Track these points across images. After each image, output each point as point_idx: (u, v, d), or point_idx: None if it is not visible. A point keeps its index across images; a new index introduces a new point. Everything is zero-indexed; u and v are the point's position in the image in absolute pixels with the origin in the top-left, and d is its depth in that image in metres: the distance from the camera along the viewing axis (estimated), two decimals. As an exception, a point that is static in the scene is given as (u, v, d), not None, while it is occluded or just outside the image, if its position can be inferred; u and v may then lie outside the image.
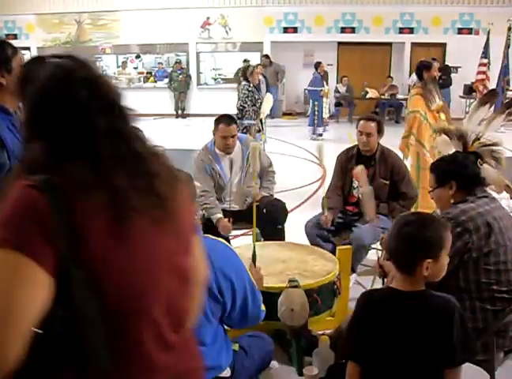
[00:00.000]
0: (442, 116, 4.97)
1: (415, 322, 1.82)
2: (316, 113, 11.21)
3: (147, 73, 16.81)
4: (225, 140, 4.09)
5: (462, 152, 2.84)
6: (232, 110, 7.11)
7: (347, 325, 1.94)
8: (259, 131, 7.09)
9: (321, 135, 11.34)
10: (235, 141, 4.14)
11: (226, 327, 2.10)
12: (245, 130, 6.79)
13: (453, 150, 2.92)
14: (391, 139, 5.23)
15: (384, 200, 4.03)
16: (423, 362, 1.83)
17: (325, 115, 11.57)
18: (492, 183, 2.77)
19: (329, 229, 3.98)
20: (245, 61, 13.92)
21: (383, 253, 3.81)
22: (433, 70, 5.13)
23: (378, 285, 3.19)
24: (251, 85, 7.02)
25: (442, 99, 5.08)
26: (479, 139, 2.90)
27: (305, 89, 11.65)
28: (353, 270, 3.86)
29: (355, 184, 4.12)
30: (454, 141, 2.94)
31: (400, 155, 4.53)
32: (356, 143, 4.16)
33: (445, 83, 12.48)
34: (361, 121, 4.10)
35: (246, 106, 6.82)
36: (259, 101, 7.15)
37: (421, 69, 5.18)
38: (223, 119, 4.14)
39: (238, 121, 6.63)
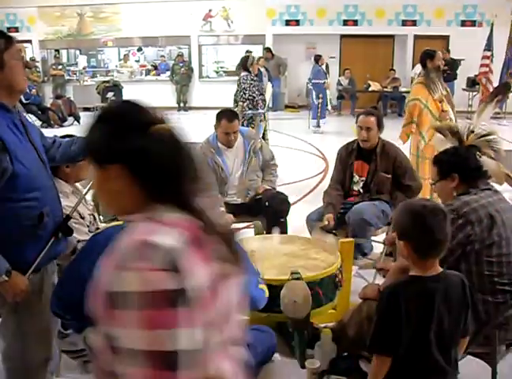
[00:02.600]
0: (445, 106, 4.95)
1: (441, 302, 1.88)
2: (319, 105, 11.22)
3: (151, 65, 16.81)
4: (227, 136, 4.07)
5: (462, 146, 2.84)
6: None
7: (374, 320, 1.95)
8: (261, 121, 7.08)
9: (319, 126, 11.36)
10: (237, 136, 4.13)
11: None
12: (251, 120, 6.79)
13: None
14: (393, 132, 5.22)
15: (386, 193, 4.03)
16: (450, 337, 1.92)
17: (329, 107, 11.60)
18: (493, 175, 2.76)
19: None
20: (247, 52, 13.89)
21: (384, 249, 3.84)
22: (436, 59, 5.09)
23: (380, 279, 3.20)
24: (253, 75, 6.99)
25: (445, 88, 5.05)
26: (473, 131, 2.89)
27: (307, 83, 11.57)
28: (361, 251, 3.88)
29: (356, 179, 4.12)
30: (449, 138, 2.94)
31: (399, 145, 4.53)
32: (356, 137, 4.15)
33: (449, 77, 12.43)
34: (360, 116, 4.09)
35: (255, 95, 6.79)
36: (264, 90, 7.15)
37: (425, 58, 5.15)
38: (225, 115, 4.10)
39: (249, 111, 6.63)
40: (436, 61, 5.09)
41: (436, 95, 4.93)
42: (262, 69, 12.03)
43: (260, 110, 6.84)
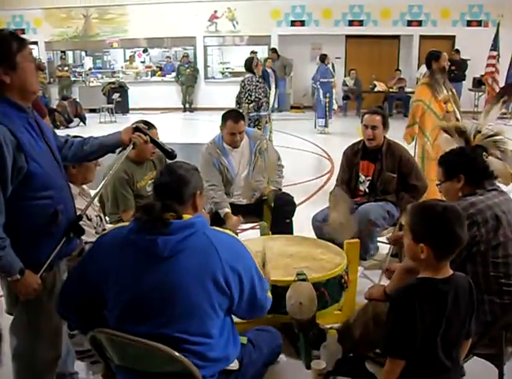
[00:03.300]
0: (450, 107, 4.93)
1: (451, 305, 1.86)
2: (327, 104, 11.23)
3: (156, 67, 16.85)
4: (233, 137, 4.08)
5: (469, 146, 2.82)
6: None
7: (388, 324, 1.90)
8: (266, 122, 7.08)
9: (327, 126, 11.36)
10: (243, 137, 4.13)
11: (234, 319, 2.11)
12: (257, 122, 6.78)
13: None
14: (399, 132, 5.21)
15: (392, 192, 4.02)
16: (455, 339, 1.92)
17: (335, 106, 11.61)
18: (499, 175, 2.75)
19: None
20: (252, 52, 13.91)
21: (390, 250, 3.83)
22: (442, 60, 5.08)
23: (386, 279, 3.19)
24: (257, 76, 6.98)
25: (450, 89, 5.03)
26: (480, 131, 2.88)
27: (316, 81, 11.50)
28: (366, 252, 3.89)
29: (362, 178, 4.12)
30: (456, 138, 2.92)
31: (405, 145, 4.52)
32: (362, 138, 4.15)
33: (456, 77, 12.39)
34: (366, 115, 4.10)
35: (260, 97, 6.78)
36: (268, 92, 7.15)
37: (430, 59, 5.14)
38: (231, 115, 4.11)
39: (255, 113, 6.62)
40: (441, 62, 5.08)
41: (440, 96, 4.91)
42: (269, 70, 12.03)
43: (264, 112, 6.84)
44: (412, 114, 5.13)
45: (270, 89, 12.51)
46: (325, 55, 11.50)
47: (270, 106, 7.41)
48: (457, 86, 12.28)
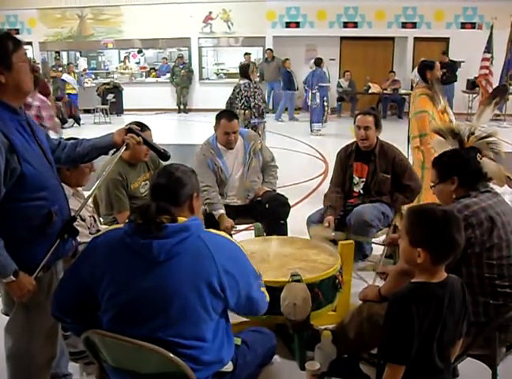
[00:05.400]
0: (446, 117, 4.91)
1: (447, 308, 1.86)
2: (326, 108, 11.27)
3: (151, 68, 16.83)
4: (227, 136, 4.08)
5: (462, 148, 2.83)
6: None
7: (386, 329, 1.88)
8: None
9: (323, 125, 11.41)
10: (237, 137, 4.13)
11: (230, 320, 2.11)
12: (254, 129, 6.72)
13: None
14: (393, 134, 5.22)
15: (386, 193, 4.03)
16: (449, 340, 1.93)
17: (329, 110, 11.68)
18: (493, 177, 2.76)
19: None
20: (246, 54, 13.92)
21: (384, 251, 3.84)
22: (436, 70, 5.00)
23: (380, 280, 3.20)
24: (253, 83, 6.88)
25: (444, 100, 5.01)
26: (473, 133, 2.88)
27: (314, 85, 11.46)
28: (363, 253, 3.89)
29: (356, 180, 4.12)
30: (449, 140, 2.93)
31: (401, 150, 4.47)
32: (355, 139, 4.15)
33: (449, 79, 12.45)
34: (358, 116, 4.11)
35: (260, 104, 6.72)
36: (265, 99, 7.12)
37: (424, 69, 5.07)
38: (224, 115, 4.13)
39: (256, 120, 6.57)
40: (436, 72, 5.00)
41: (439, 107, 4.86)
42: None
43: (264, 120, 6.80)
44: (419, 126, 4.84)
45: (297, 89, 13.23)
46: (321, 59, 11.50)
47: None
48: (449, 88, 12.37)
